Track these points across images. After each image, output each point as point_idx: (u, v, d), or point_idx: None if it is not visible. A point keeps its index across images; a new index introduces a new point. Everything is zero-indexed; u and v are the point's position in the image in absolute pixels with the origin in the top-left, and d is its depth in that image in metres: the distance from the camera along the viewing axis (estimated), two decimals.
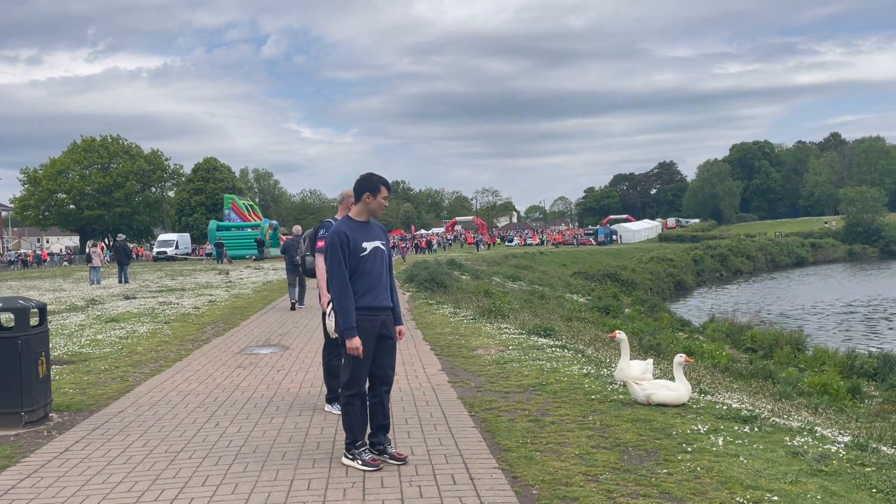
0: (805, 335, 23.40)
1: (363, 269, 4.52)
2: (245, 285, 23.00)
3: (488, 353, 9.01)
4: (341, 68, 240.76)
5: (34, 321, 6.12)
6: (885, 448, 5.09)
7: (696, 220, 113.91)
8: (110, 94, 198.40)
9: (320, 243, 6.00)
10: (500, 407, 6.14)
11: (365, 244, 4.55)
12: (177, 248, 59.48)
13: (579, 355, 8.76)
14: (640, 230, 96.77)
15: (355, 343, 4.44)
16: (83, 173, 73.63)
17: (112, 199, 72.35)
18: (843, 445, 4.95)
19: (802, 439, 5.04)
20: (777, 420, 5.73)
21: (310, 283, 15.49)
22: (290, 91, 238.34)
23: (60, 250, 68.36)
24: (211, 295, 19.19)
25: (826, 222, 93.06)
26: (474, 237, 75.17)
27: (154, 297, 18.97)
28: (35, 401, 6.00)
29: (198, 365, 8.75)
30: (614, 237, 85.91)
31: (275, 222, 63.77)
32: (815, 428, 5.55)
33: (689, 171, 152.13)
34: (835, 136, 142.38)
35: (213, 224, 56.26)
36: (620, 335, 6.83)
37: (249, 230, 55.43)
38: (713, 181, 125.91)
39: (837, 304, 37.63)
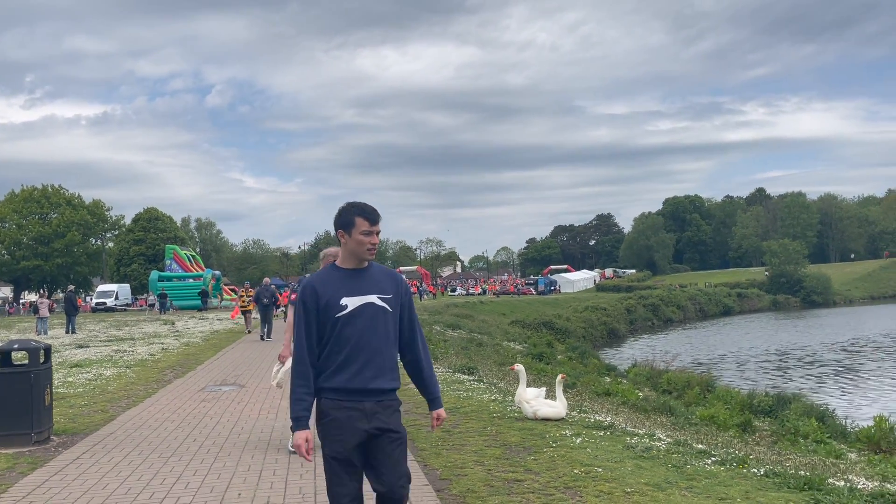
0: (715, 378, 25.70)
1: (342, 335, 3.32)
2: (193, 334, 24.04)
3: None
4: (286, 119, 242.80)
5: (42, 359, 7.53)
6: (696, 444, 6.93)
7: (633, 271, 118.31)
8: (47, 142, 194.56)
9: (294, 295, 7.31)
10: (420, 424, 7.78)
11: (345, 300, 3.35)
12: (116, 298, 59.26)
13: (492, 387, 10.51)
14: (578, 280, 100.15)
15: (299, 438, 3.32)
16: (21, 223, 72.89)
17: (51, 249, 71.70)
18: (666, 442, 6.76)
19: (640, 440, 6.84)
20: (629, 428, 7.54)
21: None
22: (234, 140, 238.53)
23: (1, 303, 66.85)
24: (162, 343, 20.26)
25: (767, 271, 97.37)
26: (417, 287, 76.71)
27: (106, 345, 19.94)
28: (42, 424, 7.37)
29: (166, 400, 10.12)
30: (554, 287, 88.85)
31: (217, 272, 64.20)
32: (655, 433, 7.37)
33: (625, 223, 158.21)
34: (760, 191, 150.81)
35: (154, 274, 56.44)
36: (518, 367, 8.57)
37: (191, 280, 55.86)
38: (648, 233, 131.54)
39: (755, 350, 40.58)
